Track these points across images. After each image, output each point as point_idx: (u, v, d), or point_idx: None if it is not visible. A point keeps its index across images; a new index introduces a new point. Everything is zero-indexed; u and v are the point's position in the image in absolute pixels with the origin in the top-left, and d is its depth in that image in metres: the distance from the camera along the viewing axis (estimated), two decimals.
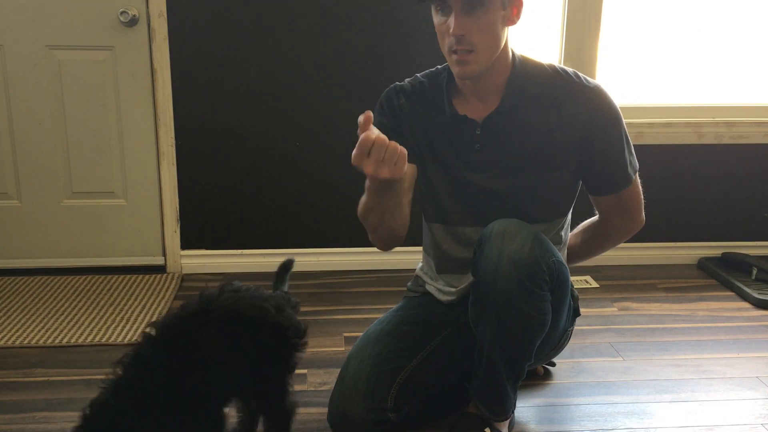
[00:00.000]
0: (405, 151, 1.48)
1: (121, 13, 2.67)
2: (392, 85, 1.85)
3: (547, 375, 2.13)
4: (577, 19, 2.83)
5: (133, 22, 2.69)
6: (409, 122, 1.79)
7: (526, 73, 1.71)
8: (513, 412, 1.79)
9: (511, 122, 1.71)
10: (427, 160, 1.80)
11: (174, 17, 2.69)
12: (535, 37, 2.96)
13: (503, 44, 1.66)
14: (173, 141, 2.81)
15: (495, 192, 1.73)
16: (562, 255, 1.82)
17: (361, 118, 1.47)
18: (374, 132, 1.46)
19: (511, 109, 1.70)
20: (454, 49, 1.62)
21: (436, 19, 1.65)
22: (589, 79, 1.75)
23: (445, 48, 1.65)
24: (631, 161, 1.77)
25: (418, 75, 1.85)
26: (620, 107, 1.76)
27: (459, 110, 1.74)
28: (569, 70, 1.75)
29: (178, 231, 2.90)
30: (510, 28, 1.67)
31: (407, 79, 1.85)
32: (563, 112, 1.70)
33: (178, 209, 2.88)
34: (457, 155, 1.75)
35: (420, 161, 1.80)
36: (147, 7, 2.69)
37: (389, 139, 1.48)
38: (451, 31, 1.60)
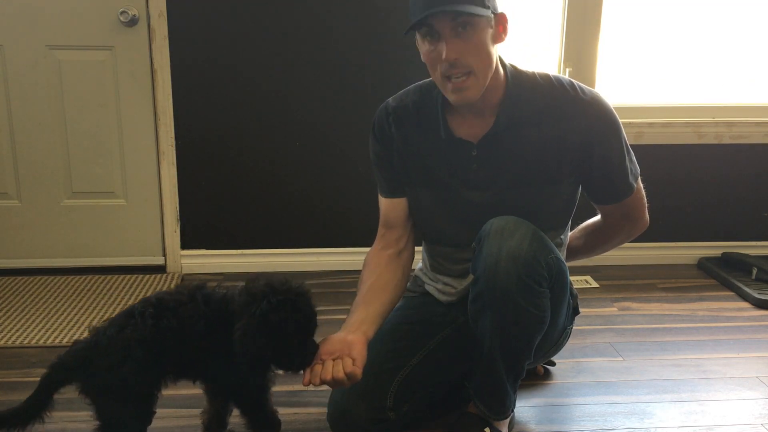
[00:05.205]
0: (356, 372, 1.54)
1: (121, 13, 2.67)
2: (383, 105, 1.80)
3: (547, 375, 2.13)
4: (577, 19, 2.83)
5: (133, 22, 2.70)
6: (399, 150, 1.78)
7: (520, 88, 1.67)
8: (513, 412, 1.79)
9: (507, 141, 1.68)
10: (420, 186, 1.78)
11: (174, 17, 2.69)
12: (535, 37, 2.96)
13: (495, 63, 1.62)
14: (173, 141, 2.81)
15: (494, 209, 1.69)
16: (561, 255, 1.81)
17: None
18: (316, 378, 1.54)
19: (506, 128, 1.67)
20: (448, 75, 1.57)
21: (424, 47, 1.59)
22: (585, 89, 1.71)
23: (438, 75, 1.59)
24: (632, 169, 1.75)
25: (410, 89, 1.79)
26: (620, 107, 1.75)
27: (455, 130, 1.71)
28: (565, 80, 1.71)
29: (178, 231, 2.90)
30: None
31: (399, 94, 1.80)
32: (560, 125, 1.67)
33: (178, 209, 2.88)
34: (454, 175, 1.74)
35: (411, 189, 1.80)
36: (147, 7, 2.69)
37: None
38: (444, 56, 1.54)
